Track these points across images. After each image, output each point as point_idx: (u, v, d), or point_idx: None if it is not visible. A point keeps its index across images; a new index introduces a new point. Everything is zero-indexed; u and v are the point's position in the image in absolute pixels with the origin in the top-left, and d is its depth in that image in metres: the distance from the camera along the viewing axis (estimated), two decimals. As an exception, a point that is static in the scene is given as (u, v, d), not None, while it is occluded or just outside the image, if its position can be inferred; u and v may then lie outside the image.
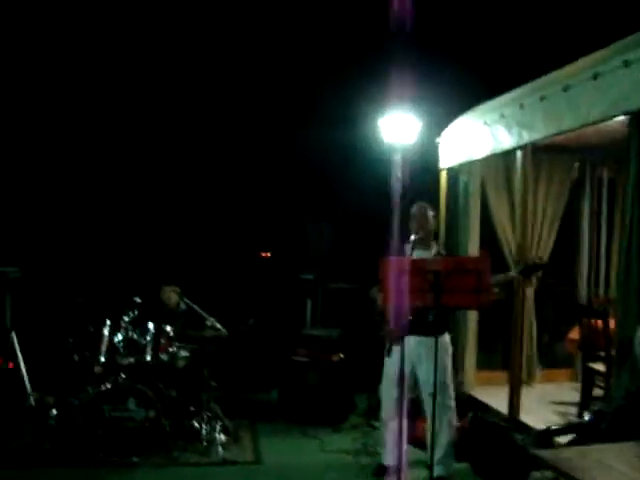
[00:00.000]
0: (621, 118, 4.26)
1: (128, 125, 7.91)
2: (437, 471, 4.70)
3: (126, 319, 5.40)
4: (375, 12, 6.74)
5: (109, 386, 5.08)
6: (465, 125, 6.38)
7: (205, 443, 5.37)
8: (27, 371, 5.60)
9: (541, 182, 6.58)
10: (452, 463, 4.86)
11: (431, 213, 4.91)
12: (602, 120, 4.43)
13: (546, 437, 3.99)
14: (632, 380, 4.09)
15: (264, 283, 7.97)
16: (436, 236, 5.55)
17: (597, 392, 5.48)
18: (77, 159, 7.72)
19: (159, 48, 7.92)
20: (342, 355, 6.51)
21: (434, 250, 4.89)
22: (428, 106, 6.69)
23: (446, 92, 7.27)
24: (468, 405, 5.93)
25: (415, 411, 5.15)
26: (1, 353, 5.62)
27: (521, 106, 5.32)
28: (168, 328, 5.56)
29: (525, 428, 5.02)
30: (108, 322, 5.39)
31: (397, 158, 6.30)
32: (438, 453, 4.73)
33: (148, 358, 5.38)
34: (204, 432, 5.44)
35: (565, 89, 4.74)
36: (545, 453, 2.84)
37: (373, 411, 6.27)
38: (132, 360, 5.32)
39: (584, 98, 4.54)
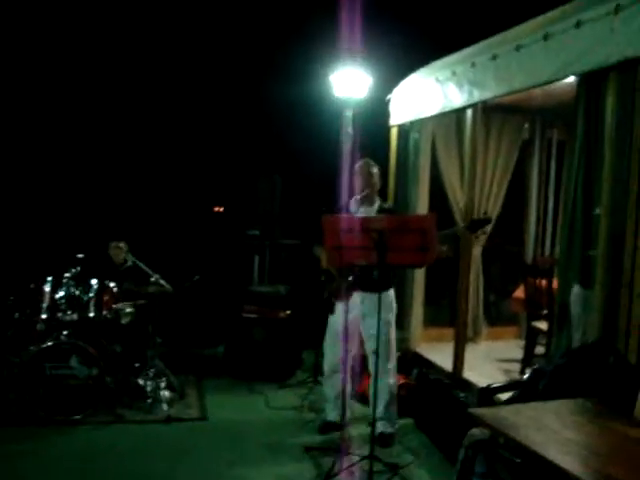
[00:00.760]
0: (572, 81, 4.26)
1: (76, 77, 7.66)
2: (381, 427, 4.78)
3: (68, 275, 5.27)
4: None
5: (50, 344, 4.97)
6: (417, 82, 6.32)
7: (150, 400, 5.34)
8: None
9: (491, 141, 6.59)
10: (395, 419, 4.92)
11: (375, 169, 4.87)
12: (552, 81, 4.42)
13: (487, 394, 4.04)
14: (570, 339, 4.18)
15: (214, 238, 7.89)
16: (384, 193, 5.53)
17: (540, 350, 5.60)
18: (20, 113, 7.45)
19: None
20: (289, 312, 6.51)
21: (376, 206, 4.86)
22: (380, 63, 6.62)
23: (399, 50, 7.20)
24: (414, 362, 6.01)
25: (361, 367, 5.21)
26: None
27: (473, 64, 5.28)
28: (112, 284, 5.46)
29: (468, 385, 5.10)
30: (50, 279, 5.26)
31: (348, 113, 6.23)
32: (381, 405, 4.79)
33: (91, 315, 5.29)
34: (149, 389, 5.42)
35: (517, 49, 4.70)
36: (481, 411, 2.88)
37: (320, 367, 6.31)
38: (75, 317, 5.22)
39: (535, 58, 4.51)
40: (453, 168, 6.44)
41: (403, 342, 6.20)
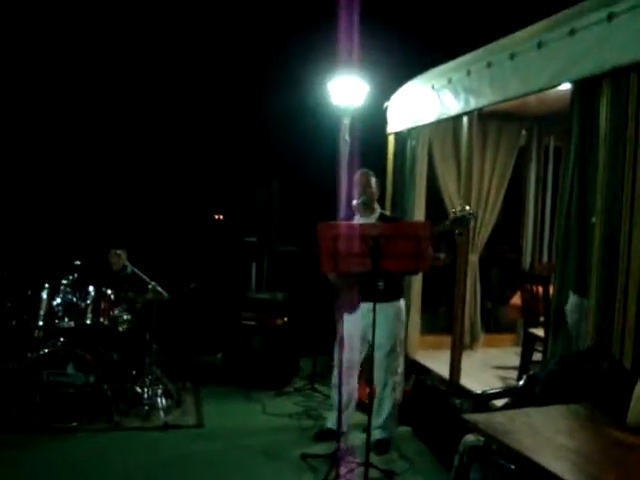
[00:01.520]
0: (567, 88, 4.27)
1: (75, 83, 7.67)
2: (379, 434, 4.78)
3: (65, 282, 5.28)
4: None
5: (47, 351, 4.97)
6: (413, 90, 6.35)
7: (147, 407, 5.35)
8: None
9: (488, 148, 6.60)
10: (395, 427, 4.94)
11: (374, 179, 4.89)
12: (547, 88, 4.44)
13: (483, 401, 4.04)
14: (566, 346, 4.18)
15: (212, 245, 7.89)
16: (381, 201, 5.53)
17: (537, 357, 5.59)
18: (18, 116, 7.46)
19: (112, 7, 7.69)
20: (286, 319, 6.51)
21: (377, 214, 4.88)
22: (378, 71, 6.65)
23: (396, 58, 7.22)
24: (411, 369, 6.01)
25: (360, 376, 5.20)
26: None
27: (468, 72, 5.30)
28: (109, 291, 5.46)
29: (465, 392, 5.09)
30: (47, 285, 5.27)
31: (345, 121, 6.25)
32: (382, 417, 4.80)
33: (88, 321, 5.29)
34: (146, 396, 5.42)
35: (511, 57, 4.72)
36: (476, 417, 2.88)
37: (317, 375, 6.32)
38: (72, 324, 5.23)
39: (529, 66, 4.54)
40: (450, 175, 6.46)
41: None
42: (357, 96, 6.24)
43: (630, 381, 3.05)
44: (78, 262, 5.51)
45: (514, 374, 5.66)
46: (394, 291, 4.74)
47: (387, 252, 3.82)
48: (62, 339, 5.13)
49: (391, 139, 6.78)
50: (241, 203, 7.79)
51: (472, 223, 4.52)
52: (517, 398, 3.63)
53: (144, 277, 5.63)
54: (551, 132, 6.95)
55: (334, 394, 5.07)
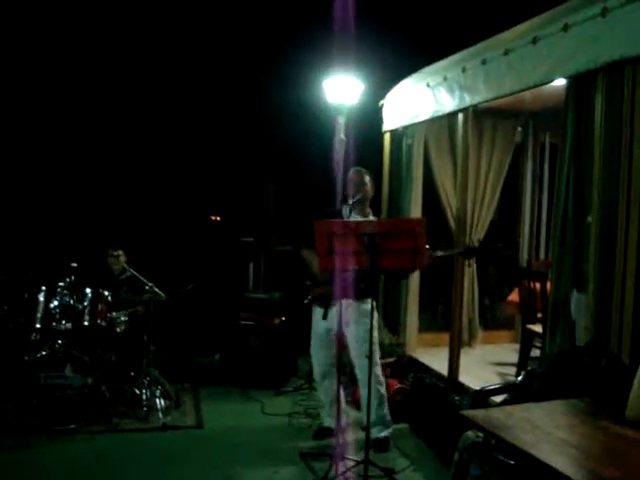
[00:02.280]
0: (562, 84, 4.27)
1: (68, 83, 7.67)
2: (375, 432, 4.78)
3: (62, 285, 5.27)
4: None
5: (45, 353, 4.96)
6: (409, 88, 6.35)
7: (145, 408, 5.33)
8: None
9: (484, 145, 6.60)
10: (389, 424, 4.93)
11: (368, 177, 4.88)
12: (541, 84, 4.44)
13: (481, 397, 4.04)
14: (565, 341, 4.18)
15: (209, 246, 7.89)
16: (377, 199, 5.53)
17: (536, 353, 5.59)
18: (14, 117, 7.45)
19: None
20: (284, 318, 6.50)
21: (370, 216, 4.88)
22: (372, 69, 6.65)
23: (390, 56, 7.23)
24: (409, 367, 6.01)
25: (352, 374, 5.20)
26: None
27: (463, 69, 5.30)
28: (106, 293, 5.46)
29: (464, 389, 5.10)
30: (44, 288, 5.26)
31: (341, 120, 6.25)
32: (375, 414, 4.79)
33: (86, 323, 5.29)
34: (144, 397, 5.40)
35: (506, 53, 4.73)
36: (474, 413, 2.88)
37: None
38: (69, 326, 5.22)
39: (524, 62, 4.54)
40: (446, 172, 6.46)
41: (398, 347, 6.20)
42: (352, 95, 6.24)
43: (628, 376, 3.05)
44: (75, 264, 5.50)
45: (512, 370, 5.67)
46: (367, 289, 4.70)
47: (383, 249, 3.83)
48: (60, 341, 5.12)
49: (387, 137, 6.79)
50: (238, 203, 7.79)
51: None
52: (516, 394, 3.62)
53: (142, 279, 5.62)
54: (547, 129, 6.95)
55: (319, 392, 5.15)
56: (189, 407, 5.69)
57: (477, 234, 6.64)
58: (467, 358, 5.80)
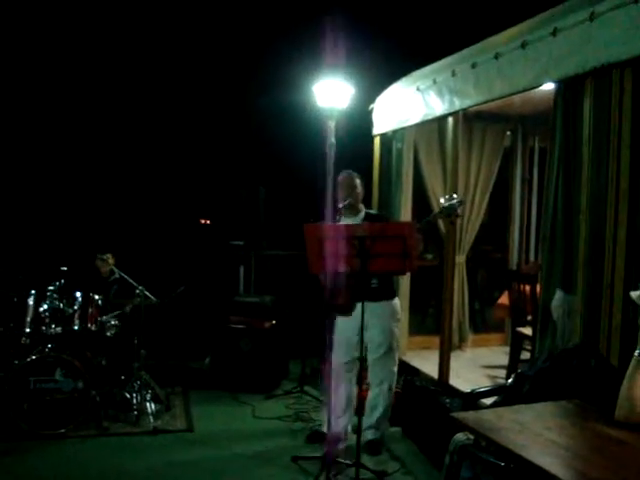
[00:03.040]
0: (550, 88, 4.30)
1: (57, 84, 7.64)
2: (369, 435, 4.78)
3: (52, 288, 5.25)
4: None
5: (35, 357, 4.94)
6: (398, 92, 6.37)
7: (136, 412, 5.32)
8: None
9: (474, 149, 6.65)
10: (386, 427, 4.95)
11: (358, 180, 4.87)
12: (530, 88, 4.46)
13: (472, 400, 4.05)
14: (554, 344, 4.20)
15: (199, 250, 7.87)
16: (368, 202, 5.54)
17: (526, 355, 5.62)
18: (5, 122, 7.43)
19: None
20: (275, 322, 6.50)
21: (362, 215, 4.86)
22: (363, 73, 6.66)
23: (380, 60, 7.25)
24: (400, 370, 6.00)
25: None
26: None
27: (453, 73, 5.32)
28: (97, 297, 5.44)
29: (454, 392, 5.11)
30: (33, 292, 5.24)
31: (331, 124, 6.26)
32: (374, 417, 4.81)
33: (76, 327, 5.27)
34: (135, 401, 5.39)
35: (496, 57, 4.75)
36: (465, 415, 2.88)
37: (306, 377, 6.32)
38: (59, 330, 5.20)
39: (513, 66, 4.56)
40: (436, 176, 6.50)
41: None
42: (342, 98, 6.25)
43: (617, 377, 3.07)
44: (64, 268, 5.48)
45: (503, 373, 5.69)
46: (388, 290, 4.75)
47: (373, 252, 3.84)
48: (49, 345, 5.09)
49: (377, 141, 6.81)
50: (227, 207, 7.78)
51: (460, 211, 4.49)
52: (506, 396, 3.64)
53: (132, 282, 5.62)
54: (536, 133, 7.00)
55: (335, 398, 5.01)
56: (180, 411, 5.67)
57: (467, 237, 6.68)
58: (457, 361, 5.82)
